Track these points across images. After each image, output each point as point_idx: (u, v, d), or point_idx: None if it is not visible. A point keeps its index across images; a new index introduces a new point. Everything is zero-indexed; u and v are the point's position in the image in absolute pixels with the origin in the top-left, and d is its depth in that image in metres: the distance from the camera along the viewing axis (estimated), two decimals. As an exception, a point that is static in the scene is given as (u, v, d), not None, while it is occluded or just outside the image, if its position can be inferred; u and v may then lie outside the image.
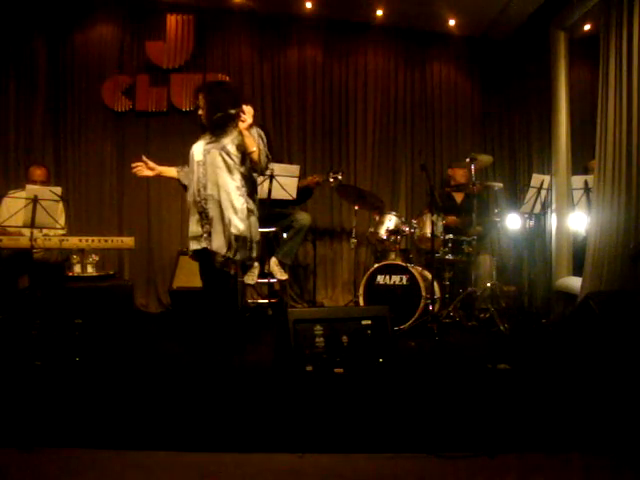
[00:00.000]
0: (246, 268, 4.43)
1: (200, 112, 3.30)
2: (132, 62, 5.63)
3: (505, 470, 2.06)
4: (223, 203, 3.19)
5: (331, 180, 4.60)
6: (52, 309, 3.89)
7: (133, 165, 3.39)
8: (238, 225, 3.19)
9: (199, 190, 3.23)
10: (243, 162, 3.24)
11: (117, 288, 4.15)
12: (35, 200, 3.76)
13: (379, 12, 5.46)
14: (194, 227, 3.26)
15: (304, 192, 4.64)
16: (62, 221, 4.37)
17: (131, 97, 5.57)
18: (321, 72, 5.83)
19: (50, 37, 5.50)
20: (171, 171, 3.47)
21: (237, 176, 3.24)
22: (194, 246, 3.27)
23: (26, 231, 3.95)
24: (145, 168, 3.37)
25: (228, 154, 3.21)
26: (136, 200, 5.59)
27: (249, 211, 3.26)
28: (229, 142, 3.22)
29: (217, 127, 3.24)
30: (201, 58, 5.68)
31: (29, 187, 3.90)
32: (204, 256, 3.28)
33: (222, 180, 3.19)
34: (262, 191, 4.06)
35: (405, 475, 2.07)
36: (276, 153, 5.12)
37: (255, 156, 3.15)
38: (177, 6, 5.57)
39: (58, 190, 3.97)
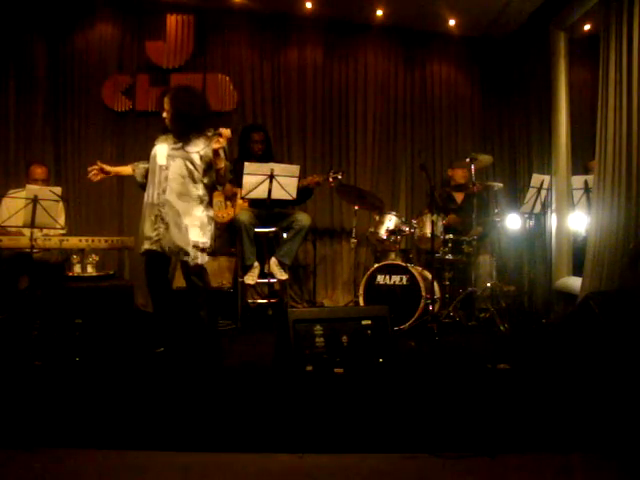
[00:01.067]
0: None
1: (165, 115, 3.34)
2: (132, 62, 5.63)
3: (505, 470, 2.06)
4: (181, 210, 3.25)
5: (331, 180, 4.59)
6: (52, 309, 3.88)
7: (89, 170, 3.48)
8: (196, 233, 3.28)
9: (158, 194, 3.28)
10: (206, 173, 3.33)
11: (117, 288, 4.15)
12: (35, 200, 3.75)
13: (379, 12, 5.45)
14: (148, 229, 3.30)
15: (304, 192, 4.63)
16: (62, 221, 4.37)
17: (131, 97, 5.57)
18: (321, 72, 5.83)
19: (50, 37, 5.49)
20: (127, 169, 3.60)
21: (200, 185, 3.34)
22: (146, 246, 3.30)
23: (26, 231, 3.95)
24: (100, 172, 3.47)
25: (193, 164, 3.28)
26: (136, 200, 5.54)
27: (209, 219, 3.37)
28: (194, 152, 3.29)
29: (183, 134, 3.30)
30: (201, 58, 5.68)
31: (29, 187, 3.90)
32: (154, 257, 3.34)
33: (184, 188, 3.27)
34: (262, 191, 4.06)
35: (405, 475, 2.07)
36: (276, 153, 5.14)
37: (222, 172, 3.30)
38: (177, 6, 5.57)
39: (58, 190, 3.97)
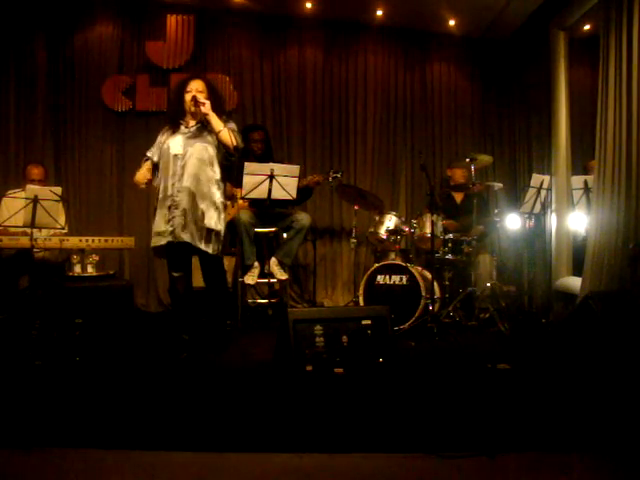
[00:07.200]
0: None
1: (204, 98, 3.23)
2: (132, 62, 5.63)
3: (505, 470, 2.06)
4: (198, 194, 3.21)
5: (331, 179, 4.60)
6: (52, 309, 3.88)
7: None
8: (213, 218, 3.25)
9: (173, 184, 3.22)
10: (219, 151, 3.33)
11: (117, 288, 4.15)
12: (35, 200, 3.76)
13: (379, 12, 5.47)
14: (160, 224, 3.24)
15: (304, 192, 4.63)
16: (62, 221, 4.37)
17: (131, 97, 5.57)
18: (321, 72, 5.84)
19: (50, 37, 5.50)
20: (146, 166, 3.40)
21: (217, 169, 3.31)
22: (162, 242, 3.24)
23: (27, 231, 3.95)
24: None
25: (211, 146, 3.30)
26: (136, 200, 5.59)
27: (223, 205, 3.35)
28: (208, 135, 3.30)
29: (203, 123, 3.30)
30: (201, 58, 5.69)
31: (29, 187, 3.90)
32: (173, 251, 3.30)
33: (205, 174, 3.25)
34: (262, 191, 4.06)
35: (405, 475, 2.07)
36: (276, 153, 5.14)
37: (225, 135, 3.21)
38: (177, 6, 5.57)
39: (58, 190, 3.97)
